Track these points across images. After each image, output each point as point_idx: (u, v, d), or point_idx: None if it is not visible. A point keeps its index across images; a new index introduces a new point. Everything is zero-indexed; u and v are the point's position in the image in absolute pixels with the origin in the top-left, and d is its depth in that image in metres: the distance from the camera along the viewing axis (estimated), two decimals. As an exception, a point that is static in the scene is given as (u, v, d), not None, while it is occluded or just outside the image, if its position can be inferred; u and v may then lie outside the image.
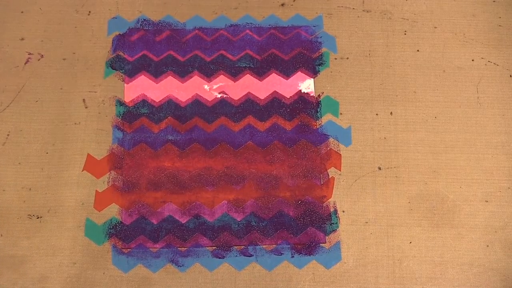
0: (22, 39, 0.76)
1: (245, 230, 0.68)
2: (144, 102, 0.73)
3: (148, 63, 0.75)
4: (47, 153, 0.71)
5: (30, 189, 0.69)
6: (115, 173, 0.70)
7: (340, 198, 0.69)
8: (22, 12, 0.77)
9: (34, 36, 0.76)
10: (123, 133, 0.72)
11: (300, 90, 0.74)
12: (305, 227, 0.68)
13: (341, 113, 0.73)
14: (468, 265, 0.66)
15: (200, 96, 0.74)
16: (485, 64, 0.75)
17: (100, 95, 0.73)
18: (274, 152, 0.71)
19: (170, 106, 0.73)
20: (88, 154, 0.71)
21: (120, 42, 0.76)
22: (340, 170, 0.70)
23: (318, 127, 0.72)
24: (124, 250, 0.67)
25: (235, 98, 0.73)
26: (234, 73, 0.75)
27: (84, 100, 0.73)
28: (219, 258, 0.66)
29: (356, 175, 0.70)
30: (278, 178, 0.70)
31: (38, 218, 0.68)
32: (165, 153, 0.71)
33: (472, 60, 0.75)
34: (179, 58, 0.75)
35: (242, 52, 0.76)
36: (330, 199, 0.69)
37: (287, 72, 0.75)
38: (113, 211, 0.68)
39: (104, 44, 0.76)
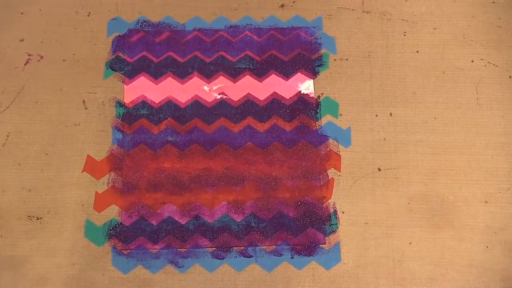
0: (22, 40, 0.76)
1: (244, 231, 0.68)
2: (144, 103, 0.73)
3: (148, 64, 0.75)
4: (46, 154, 0.71)
5: (30, 190, 0.69)
6: (115, 174, 0.70)
7: (339, 199, 0.69)
8: (22, 13, 0.77)
9: (33, 37, 0.76)
10: (122, 134, 0.72)
11: (300, 91, 0.74)
12: (304, 228, 0.68)
13: (340, 114, 0.73)
14: (467, 266, 0.66)
15: (200, 97, 0.74)
16: (485, 65, 0.75)
17: (100, 96, 0.73)
18: (274, 153, 0.71)
19: (169, 107, 0.73)
20: (88, 155, 0.71)
21: (120, 43, 0.76)
22: (339, 171, 0.70)
23: (317, 128, 0.72)
24: (124, 251, 0.67)
25: (234, 99, 0.73)
26: (234, 74, 0.75)
27: (84, 101, 0.73)
28: (219, 259, 0.66)
29: (355, 176, 0.70)
30: (277, 179, 0.70)
31: (38, 219, 0.68)
32: (164, 154, 0.71)
33: (472, 61, 0.75)
34: (179, 59, 0.75)
35: (241, 53, 0.76)
36: (329, 200, 0.69)
37: (286, 73, 0.75)
38: (113, 212, 0.68)
39: (104, 45, 0.76)
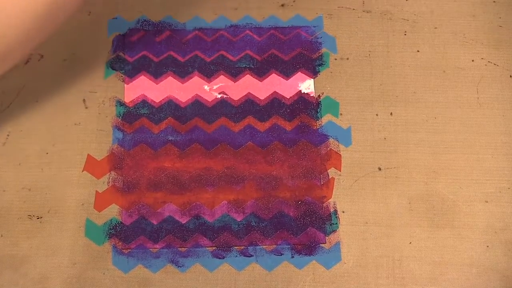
0: (22, 39, 0.76)
1: (245, 230, 0.68)
2: (144, 102, 0.73)
3: (148, 63, 0.75)
4: (47, 153, 0.71)
5: (30, 189, 0.69)
6: (115, 173, 0.70)
7: (340, 199, 0.69)
8: (22, 12, 0.77)
9: (34, 37, 0.76)
10: (123, 134, 0.72)
11: (300, 91, 0.74)
12: (305, 228, 0.68)
13: (341, 114, 0.73)
14: (468, 265, 0.66)
15: (200, 96, 0.74)
16: (485, 65, 0.75)
17: (100, 96, 0.73)
18: (274, 153, 0.71)
19: (170, 106, 0.73)
20: (88, 155, 0.71)
21: (120, 42, 0.76)
22: (340, 171, 0.70)
23: (318, 127, 0.72)
24: (124, 250, 0.67)
25: (235, 99, 0.73)
26: (234, 73, 0.75)
27: (84, 100, 0.73)
28: (219, 258, 0.66)
29: (356, 176, 0.70)
30: (278, 178, 0.70)
31: (38, 218, 0.68)
32: (165, 153, 0.71)
33: (472, 60, 0.75)
34: (179, 58, 0.75)
35: (242, 53, 0.76)
36: (330, 200, 0.69)
37: (287, 72, 0.75)
38: (113, 212, 0.68)
39: (104, 45, 0.76)
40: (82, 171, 0.70)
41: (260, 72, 0.75)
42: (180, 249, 0.67)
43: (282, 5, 0.78)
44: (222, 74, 0.75)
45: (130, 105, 0.73)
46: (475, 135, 0.72)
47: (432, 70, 0.75)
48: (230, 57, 0.75)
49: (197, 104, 0.73)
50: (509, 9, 0.78)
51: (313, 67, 0.75)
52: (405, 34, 0.77)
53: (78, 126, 0.72)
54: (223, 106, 0.73)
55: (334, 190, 0.69)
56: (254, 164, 0.70)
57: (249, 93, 0.74)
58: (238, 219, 0.68)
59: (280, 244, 0.67)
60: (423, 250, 0.67)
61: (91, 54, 0.75)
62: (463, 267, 0.66)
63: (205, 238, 0.67)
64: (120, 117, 0.72)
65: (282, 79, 0.74)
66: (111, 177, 0.70)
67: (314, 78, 0.74)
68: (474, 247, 0.67)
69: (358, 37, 0.77)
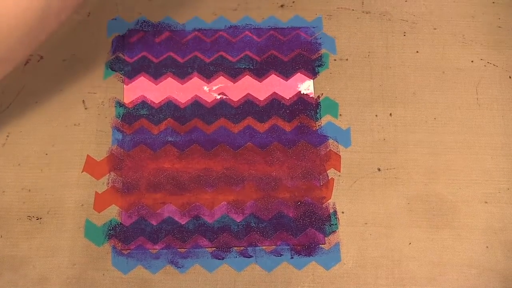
0: (22, 40, 0.76)
1: (244, 231, 0.68)
2: (143, 103, 0.73)
3: (147, 64, 0.75)
4: (46, 154, 0.71)
5: (29, 190, 0.69)
6: (115, 174, 0.70)
7: (339, 199, 0.69)
8: (22, 13, 0.77)
9: (34, 38, 0.76)
10: (122, 135, 0.72)
11: (300, 91, 0.74)
12: (304, 228, 0.68)
13: (340, 114, 0.73)
14: (467, 266, 0.66)
15: (200, 97, 0.74)
16: (485, 65, 0.75)
17: (100, 96, 0.73)
18: (274, 153, 0.71)
19: (169, 107, 0.73)
20: (88, 155, 0.71)
21: (119, 43, 0.76)
22: (339, 171, 0.70)
23: (317, 128, 0.72)
24: (123, 251, 0.67)
25: (234, 99, 0.73)
26: (234, 74, 0.75)
27: (83, 101, 0.73)
28: (219, 259, 0.67)
29: (355, 176, 0.70)
30: (277, 179, 0.70)
31: (38, 219, 0.68)
32: (164, 154, 0.71)
33: (472, 61, 0.75)
34: (179, 59, 0.75)
35: (241, 53, 0.76)
36: (329, 200, 0.69)
37: (286, 73, 0.75)
38: (112, 213, 0.68)
39: (104, 45, 0.76)
40: (82, 172, 0.70)
41: (260, 73, 0.75)
42: (179, 250, 0.67)
43: (282, 6, 0.78)
44: (222, 75, 0.75)
45: (130, 106, 0.73)
46: (474, 135, 0.72)
47: (431, 71, 0.75)
48: (230, 58, 0.75)
49: (197, 105, 0.73)
50: (508, 10, 0.78)
51: (312, 68, 0.75)
52: (404, 35, 0.77)
53: (77, 126, 0.72)
54: (222, 107, 0.73)
55: (333, 190, 0.69)
56: (254, 165, 0.70)
57: (248, 94, 0.74)
58: (238, 220, 0.68)
59: (279, 245, 0.67)
60: (422, 251, 0.67)
61: (90, 55, 0.75)
62: (463, 268, 0.66)
63: (204, 239, 0.67)
64: (120, 118, 0.72)
65: (281, 80, 0.74)
66: (110, 178, 0.70)
67: (313, 79, 0.74)
68: (473, 247, 0.67)
69: (358, 38, 0.77)
